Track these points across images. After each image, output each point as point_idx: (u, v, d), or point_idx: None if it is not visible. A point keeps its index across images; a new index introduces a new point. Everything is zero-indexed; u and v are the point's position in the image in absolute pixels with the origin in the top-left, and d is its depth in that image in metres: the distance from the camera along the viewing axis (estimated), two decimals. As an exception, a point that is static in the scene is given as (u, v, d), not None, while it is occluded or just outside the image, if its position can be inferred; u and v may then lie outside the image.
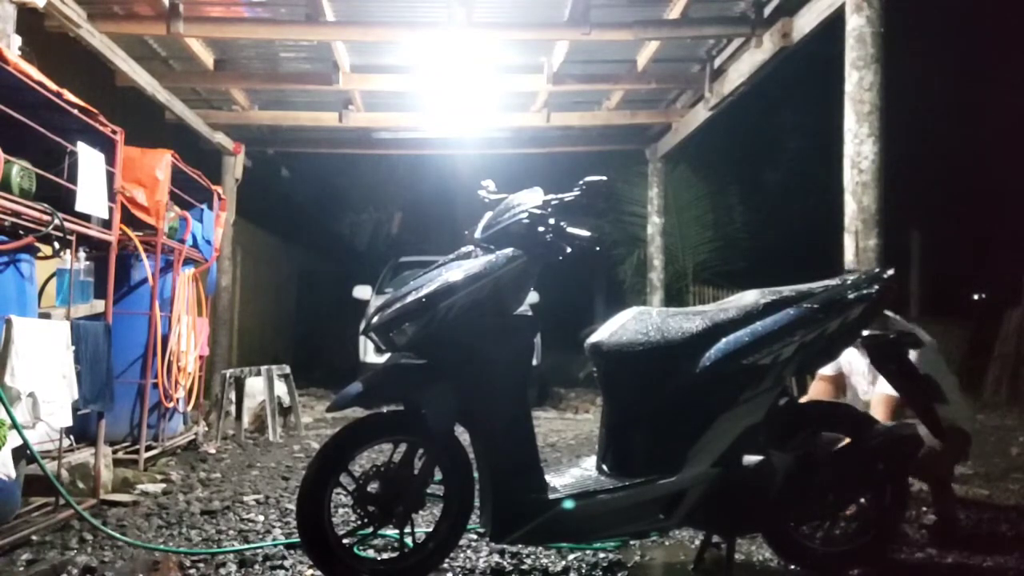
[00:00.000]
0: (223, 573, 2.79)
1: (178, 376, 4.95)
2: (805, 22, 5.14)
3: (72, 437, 3.90)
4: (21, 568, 2.82)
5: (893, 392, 2.95)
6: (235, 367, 6.76)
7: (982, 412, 7.84)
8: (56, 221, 3.27)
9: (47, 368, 3.16)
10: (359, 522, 2.55)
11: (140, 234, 4.50)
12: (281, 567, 2.83)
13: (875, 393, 3.26)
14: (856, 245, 4.24)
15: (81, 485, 3.75)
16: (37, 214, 3.18)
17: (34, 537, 3.10)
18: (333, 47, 6.35)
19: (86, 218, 3.68)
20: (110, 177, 3.82)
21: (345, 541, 2.54)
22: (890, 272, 2.79)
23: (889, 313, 3.04)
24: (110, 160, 3.83)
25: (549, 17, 5.89)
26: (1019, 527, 3.50)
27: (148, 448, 4.61)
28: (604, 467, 2.69)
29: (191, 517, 3.57)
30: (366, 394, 2.50)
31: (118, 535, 3.22)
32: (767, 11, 5.69)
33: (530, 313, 2.77)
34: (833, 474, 2.71)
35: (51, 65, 3.74)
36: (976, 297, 15.70)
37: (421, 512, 3.12)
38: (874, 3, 4.30)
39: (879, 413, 3.13)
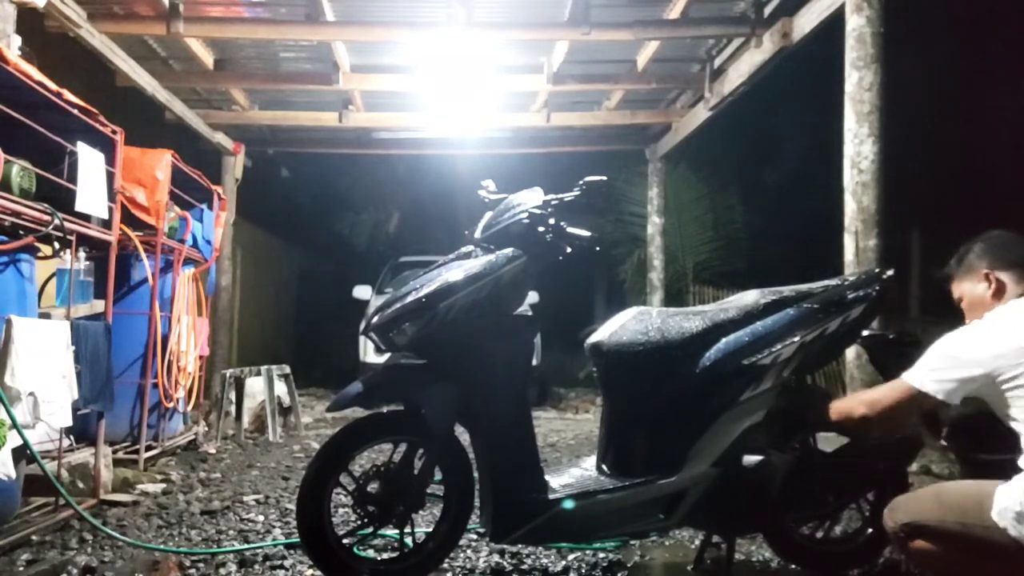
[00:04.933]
0: (223, 573, 2.79)
1: (178, 376, 4.95)
2: (805, 22, 5.14)
3: (72, 437, 3.90)
4: (21, 568, 2.82)
5: None
6: (235, 367, 6.76)
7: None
8: (56, 221, 3.27)
9: (47, 368, 3.16)
10: (359, 522, 2.55)
11: (140, 234, 4.50)
12: (281, 567, 2.83)
13: None
14: (856, 245, 4.24)
15: (81, 485, 3.75)
16: (37, 214, 3.17)
17: (34, 537, 3.10)
18: (333, 47, 6.35)
19: (86, 218, 3.68)
20: (110, 177, 3.82)
21: (345, 541, 2.53)
22: (890, 272, 2.80)
23: None
24: (110, 160, 3.83)
25: (549, 17, 5.89)
26: None
27: (148, 448, 4.61)
28: (604, 467, 2.69)
29: (191, 517, 3.57)
30: (366, 394, 2.49)
31: (118, 535, 3.22)
32: (767, 11, 5.70)
33: (530, 313, 2.76)
34: (833, 474, 2.71)
35: (51, 65, 3.74)
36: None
37: (421, 512, 3.11)
38: (874, 3, 4.30)
39: None
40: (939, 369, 2.10)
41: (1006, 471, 2.03)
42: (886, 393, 2.25)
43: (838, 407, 2.40)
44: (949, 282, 2.36)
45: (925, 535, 2.07)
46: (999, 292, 2.19)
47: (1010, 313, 2.12)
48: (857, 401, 2.39)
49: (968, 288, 2.28)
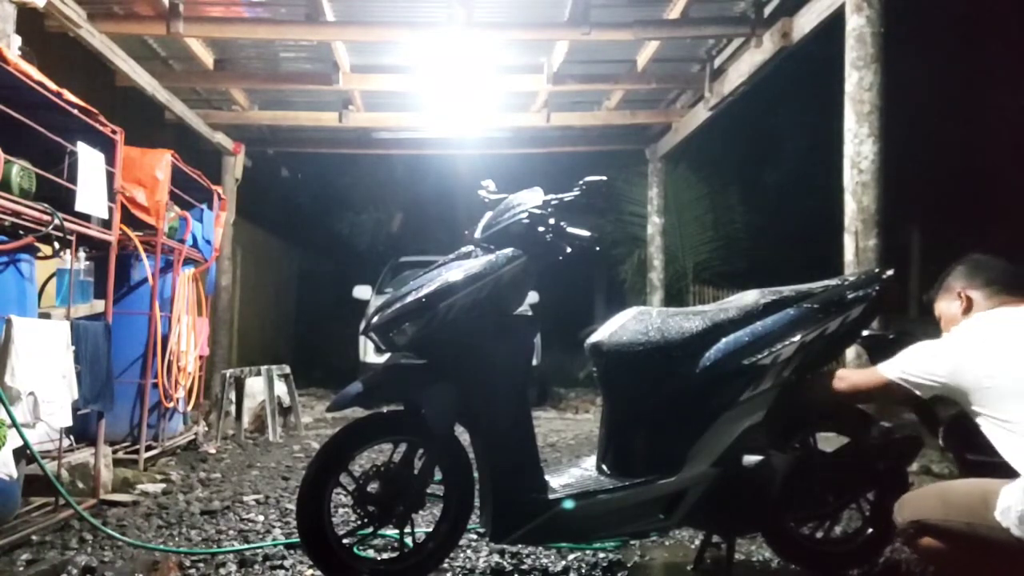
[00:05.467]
0: (223, 573, 2.80)
1: (178, 376, 4.95)
2: (805, 22, 5.14)
3: (72, 437, 3.90)
4: (21, 568, 2.82)
5: None
6: (235, 367, 6.76)
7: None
8: (56, 221, 3.27)
9: (47, 368, 3.16)
10: (359, 522, 2.55)
11: (140, 234, 4.50)
12: (281, 567, 2.83)
13: None
14: (856, 245, 4.24)
15: (81, 485, 3.75)
16: (37, 214, 3.18)
17: (34, 537, 3.10)
18: (333, 47, 6.35)
19: (86, 218, 3.68)
20: (110, 177, 3.82)
21: (345, 541, 2.53)
22: (890, 272, 2.80)
23: None
24: (110, 160, 3.83)
25: (549, 17, 5.90)
26: None
27: (148, 448, 4.61)
28: (604, 467, 2.69)
29: (191, 517, 3.57)
30: (366, 394, 2.49)
31: (118, 535, 3.22)
32: (767, 11, 5.70)
33: (530, 313, 2.76)
34: (833, 474, 2.71)
35: (51, 65, 3.74)
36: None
37: (421, 512, 3.11)
38: (874, 3, 4.30)
39: None
40: (909, 370, 2.27)
41: (999, 472, 2.04)
42: (860, 376, 2.52)
43: (819, 379, 2.60)
44: (933, 306, 2.50)
45: (932, 533, 2.10)
46: (968, 308, 2.32)
47: (974, 326, 2.24)
48: (836, 378, 2.57)
49: (944, 307, 2.42)
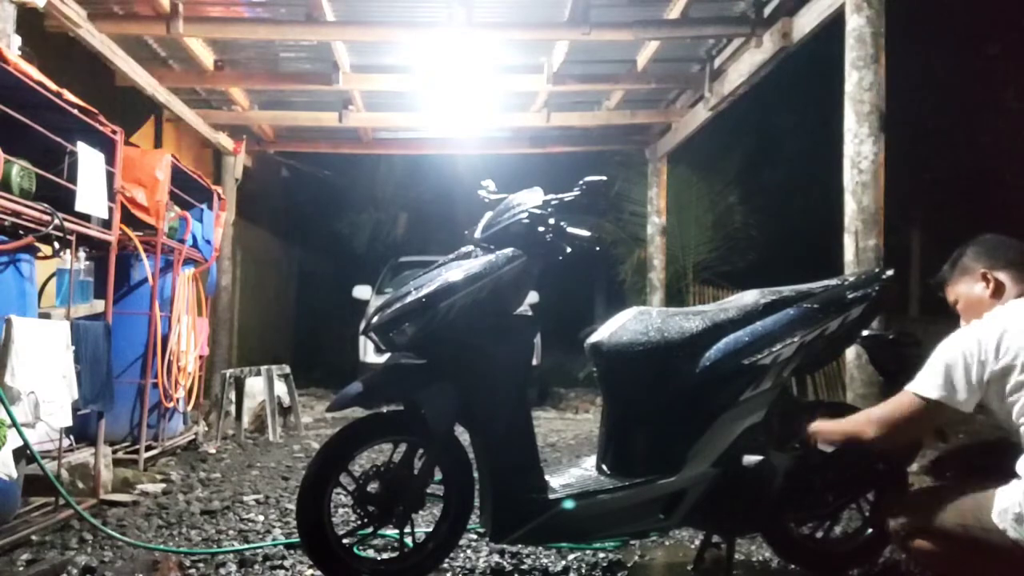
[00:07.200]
0: (223, 573, 2.79)
1: (178, 376, 4.95)
2: (805, 22, 5.14)
3: (72, 437, 3.90)
4: (21, 568, 2.82)
5: None
6: (235, 367, 6.76)
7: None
8: (56, 221, 3.27)
9: (47, 368, 3.16)
10: (359, 522, 2.54)
11: (140, 234, 4.50)
12: (281, 567, 2.83)
13: None
14: (856, 245, 4.23)
15: (81, 485, 3.75)
16: (37, 214, 3.18)
17: (34, 537, 3.10)
18: (333, 47, 6.35)
19: (86, 218, 3.68)
20: (110, 177, 3.83)
21: (345, 541, 2.53)
22: (890, 272, 2.80)
23: None
24: (110, 160, 3.83)
25: (549, 17, 5.89)
26: None
27: (148, 448, 4.61)
28: (604, 467, 2.69)
29: (191, 517, 3.58)
30: (366, 394, 2.50)
31: (118, 535, 3.22)
32: (767, 11, 5.69)
33: (530, 313, 2.76)
34: (833, 474, 2.71)
35: (51, 65, 3.74)
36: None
37: (421, 512, 3.11)
38: (874, 3, 4.29)
39: None
40: (943, 372, 2.04)
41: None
42: (893, 408, 2.15)
43: (844, 430, 2.36)
44: (943, 288, 2.35)
45: (926, 534, 2.08)
46: (998, 291, 2.17)
47: (1012, 310, 2.10)
48: (865, 421, 2.26)
49: (964, 289, 2.25)
